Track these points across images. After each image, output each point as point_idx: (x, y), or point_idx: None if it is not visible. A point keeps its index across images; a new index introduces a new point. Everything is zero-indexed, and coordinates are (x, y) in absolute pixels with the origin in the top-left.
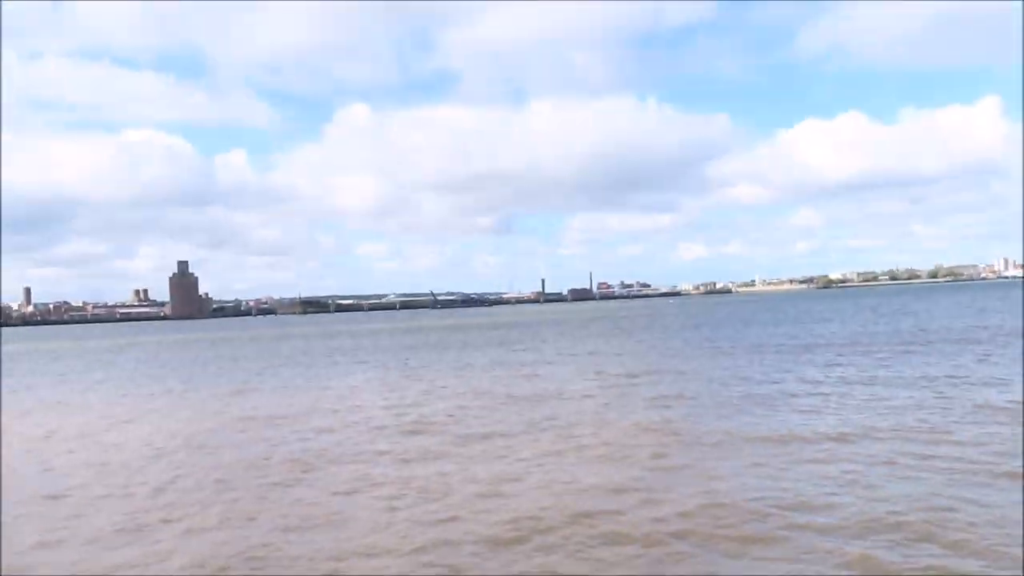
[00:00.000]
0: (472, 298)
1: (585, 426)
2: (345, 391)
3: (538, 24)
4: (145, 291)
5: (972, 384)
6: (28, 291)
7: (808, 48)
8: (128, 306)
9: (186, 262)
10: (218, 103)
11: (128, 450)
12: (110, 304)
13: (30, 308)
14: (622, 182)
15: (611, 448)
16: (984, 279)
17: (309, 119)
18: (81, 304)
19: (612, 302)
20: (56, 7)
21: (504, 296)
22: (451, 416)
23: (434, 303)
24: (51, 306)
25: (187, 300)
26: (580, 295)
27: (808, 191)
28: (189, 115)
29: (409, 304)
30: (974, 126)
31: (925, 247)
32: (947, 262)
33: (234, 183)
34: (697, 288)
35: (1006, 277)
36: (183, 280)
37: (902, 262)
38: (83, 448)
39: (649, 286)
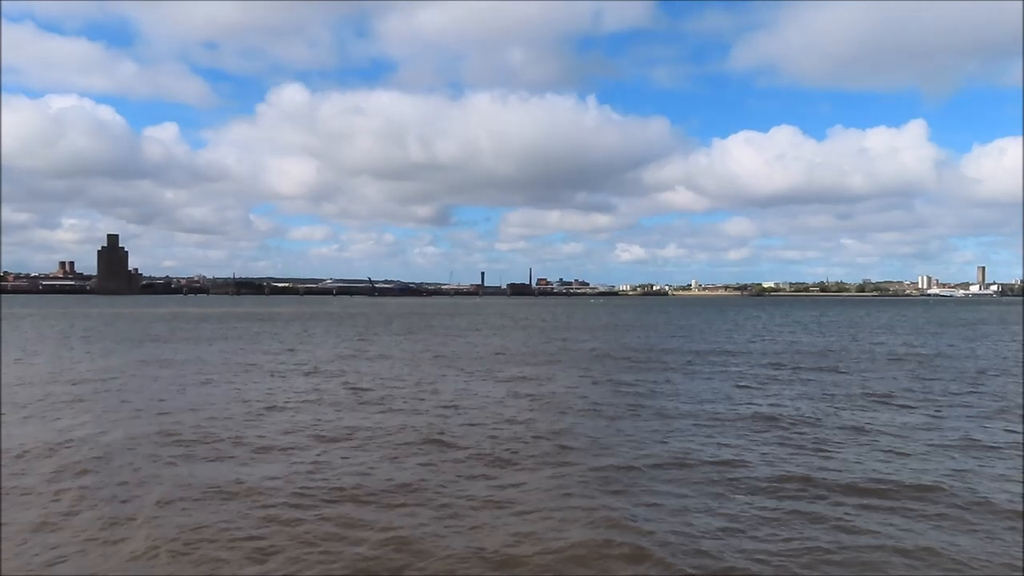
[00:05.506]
0: (410, 287)
1: None
2: None
3: (475, 19)
4: (71, 264)
5: None
6: None
7: (742, 63)
8: (52, 278)
9: (116, 235)
10: (149, 75)
11: None
12: (33, 275)
13: None
14: (560, 180)
15: None
16: (908, 295)
17: (243, 97)
18: (2, 274)
19: (551, 298)
20: None
21: (443, 287)
22: None
23: (372, 290)
24: None
25: (115, 275)
26: (519, 290)
27: (741, 201)
28: (118, 85)
29: (346, 290)
30: (901, 148)
31: (855, 262)
32: (875, 278)
33: (163, 158)
34: (635, 289)
35: (928, 295)
36: (112, 254)
37: (832, 275)
38: None
39: (588, 284)
